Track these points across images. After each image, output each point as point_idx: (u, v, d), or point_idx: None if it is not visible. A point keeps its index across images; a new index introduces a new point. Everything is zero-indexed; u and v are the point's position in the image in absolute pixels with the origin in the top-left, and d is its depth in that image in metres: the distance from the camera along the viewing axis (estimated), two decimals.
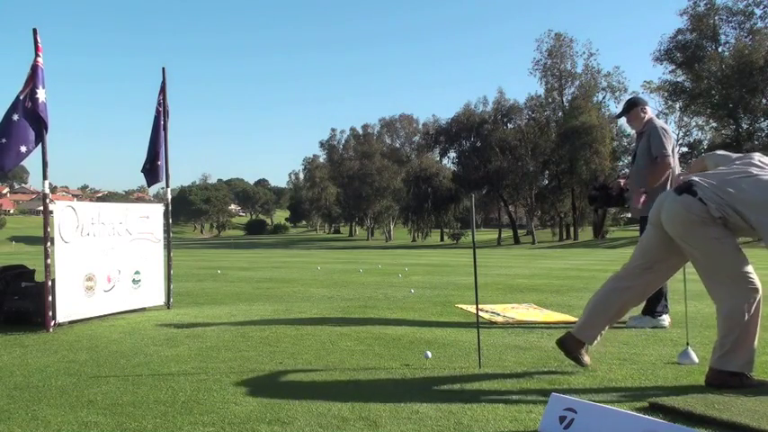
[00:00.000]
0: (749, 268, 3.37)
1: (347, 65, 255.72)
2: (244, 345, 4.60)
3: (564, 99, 60.79)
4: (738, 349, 3.32)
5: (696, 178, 3.47)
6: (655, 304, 5.38)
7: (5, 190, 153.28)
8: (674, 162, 5.34)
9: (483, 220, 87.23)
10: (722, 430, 2.66)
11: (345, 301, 7.42)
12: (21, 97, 5.21)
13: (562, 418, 2.59)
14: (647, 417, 2.54)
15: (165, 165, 6.74)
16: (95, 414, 2.92)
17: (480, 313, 5.11)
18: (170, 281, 6.74)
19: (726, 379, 3.31)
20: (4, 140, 5.13)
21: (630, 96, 6.13)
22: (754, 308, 3.32)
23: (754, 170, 3.43)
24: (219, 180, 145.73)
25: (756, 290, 3.34)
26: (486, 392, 3.27)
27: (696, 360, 3.89)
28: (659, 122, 5.47)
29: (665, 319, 5.38)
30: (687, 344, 4.09)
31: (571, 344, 3.77)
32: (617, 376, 3.63)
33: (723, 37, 50.76)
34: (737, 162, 3.61)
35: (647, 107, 5.58)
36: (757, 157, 3.61)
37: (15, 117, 5.16)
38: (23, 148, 5.22)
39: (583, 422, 2.53)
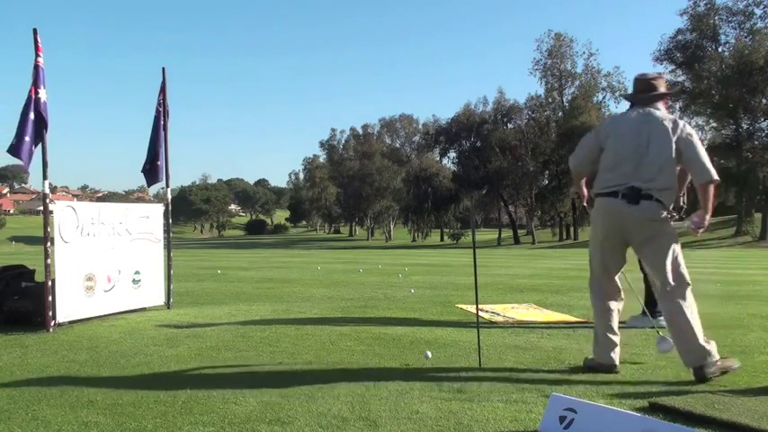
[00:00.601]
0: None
1: (347, 64, 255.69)
2: (244, 345, 4.60)
3: (564, 99, 60.73)
4: (699, 344, 3.49)
5: (636, 183, 3.60)
6: (655, 304, 5.38)
7: (5, 190, 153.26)
8: None
9: (483, 220, 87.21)
10: (722, 430, 2.66)
11: (345, 301, 7.42)
12: (33, 96, 5.23)
13: (562, 418, 2.59)
14: (647, 417, 2.54)
15: (165, 165, 6.73)
16: (95, 414, 2.92)
17: (480, 313, 5.11)
18: (170, 281, 6.74)
19: (706, 372, 3.45)
20: (27, 139, 5.17)
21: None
22: (693, 301, 3.61)
23: (643, 131, 3.65)
24: (219, 180, 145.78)
25: (689, 284, 3.64)
26: (486, 392, 3.27)
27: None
28: None
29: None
30: (658, 332, 4.12)
31: (606, 367, 3.74)
32: (617, 376, 3.63)
33: (723, 37, 50.70)
34: (612, 138, 3.76)
35: None
36: (620, 119, 3.82)
37: (32, 116, 5.21)
38: (34, 147, 5.27)
39: (583, 422, 2.53)
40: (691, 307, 3.56)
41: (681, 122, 3.68)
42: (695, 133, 3.70)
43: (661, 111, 3.74)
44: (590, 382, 3.52)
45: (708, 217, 3.62)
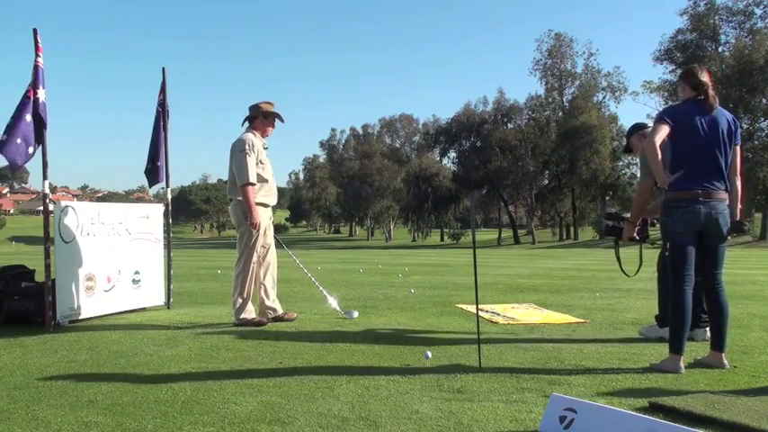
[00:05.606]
0: None
1: (347, 65, 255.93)
2: (244, 345, 4.60)
3: (564, 99, 60.77)
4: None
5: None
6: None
7: (5, 190, 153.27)
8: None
9: (483, 220, 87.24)
10: (722, 430, 2.65)
11: (345, 301, 7.41)
12: (31, 97, 5.22)
13: (562, 418, 2.59)
14: (647, 417, 2.54)
15: (165, 165, 6.73)
16: (95, 414, 2.92)
17: (480, 313, 5.11)
18: (170, 281, 6.74)
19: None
20: (19, 141, 5.16)
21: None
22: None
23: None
24: (219, 180, 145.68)
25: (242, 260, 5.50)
26: (486, 392, 3.27)
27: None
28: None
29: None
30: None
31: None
32: (617, 376, 3.63)
33: (723, 37, 50.75)
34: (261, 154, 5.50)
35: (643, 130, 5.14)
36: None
37: (28, 118, 5.20)
38: (31, 149, 5.26)
39: (583, 422, 2.53)
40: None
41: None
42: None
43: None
44: (590, 382, 3.52)
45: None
